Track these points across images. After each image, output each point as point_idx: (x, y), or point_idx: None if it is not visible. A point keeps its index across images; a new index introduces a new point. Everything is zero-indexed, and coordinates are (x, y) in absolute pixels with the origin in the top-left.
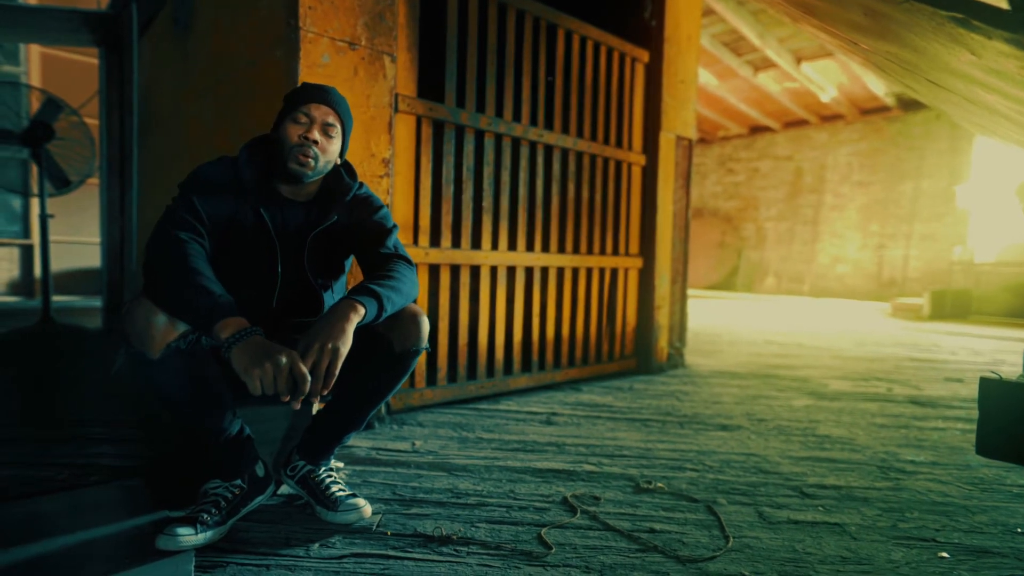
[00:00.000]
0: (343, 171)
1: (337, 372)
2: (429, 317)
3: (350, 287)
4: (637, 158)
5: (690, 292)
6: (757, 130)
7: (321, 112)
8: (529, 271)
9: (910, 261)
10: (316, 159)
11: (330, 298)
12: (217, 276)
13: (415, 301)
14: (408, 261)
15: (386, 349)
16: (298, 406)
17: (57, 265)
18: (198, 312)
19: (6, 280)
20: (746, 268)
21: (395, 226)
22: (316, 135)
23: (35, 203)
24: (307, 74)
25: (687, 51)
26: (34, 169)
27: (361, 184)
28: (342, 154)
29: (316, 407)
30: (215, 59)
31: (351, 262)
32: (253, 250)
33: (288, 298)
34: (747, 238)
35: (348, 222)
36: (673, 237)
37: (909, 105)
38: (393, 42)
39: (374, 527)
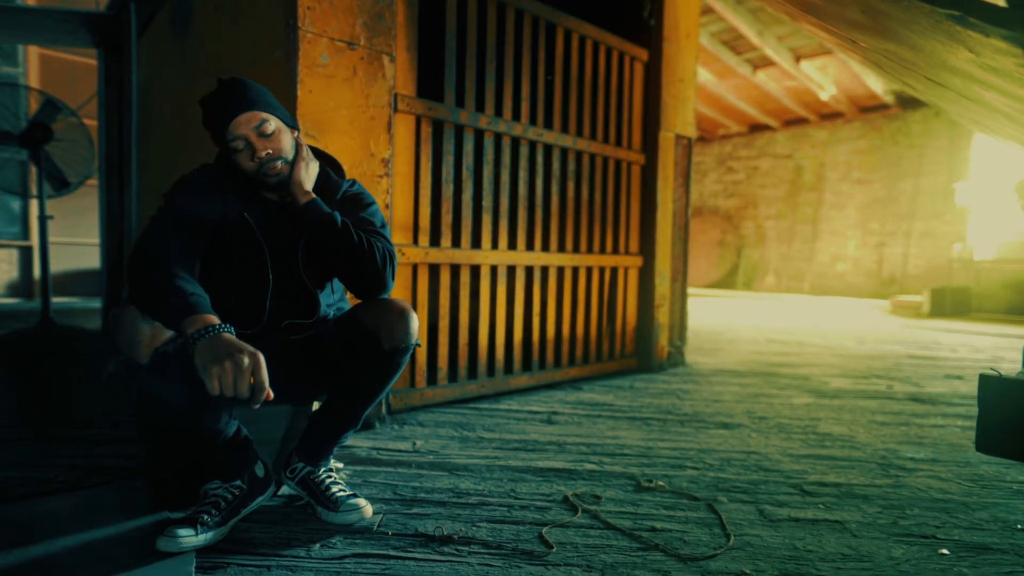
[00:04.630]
0: (330, 170)
1: None
2: (429, 317)
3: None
4: (637, 157)
5: (690, 291)
6: (757, 128)
7: (243, 123)
8: (529, 270)
9: (910, 259)
10: (280, 161)
11: (328, 296)
12: (210, 282)
13: (415, 306)
14: (389, 241)
15: (375, 347)
16: (256, 406)
17: (56, 266)
18: (169, 312)
19: (5, 282)
20: (746, 266)
21: (384, 224)
22: (261, 149)
23: (34, 204)
24: (306, 74)
25: (686, 50)
26: (33, 170)
27: (353, 181)
28: (292, 125)
29: (315, 406)
30: (214, 59)
31: None
32: (242, 255)
33: (282, 300)
34: (747, 236)
35: None
36: (673, 236)
37: (908, 103)
38: (392, 42)
39: (375, 527)
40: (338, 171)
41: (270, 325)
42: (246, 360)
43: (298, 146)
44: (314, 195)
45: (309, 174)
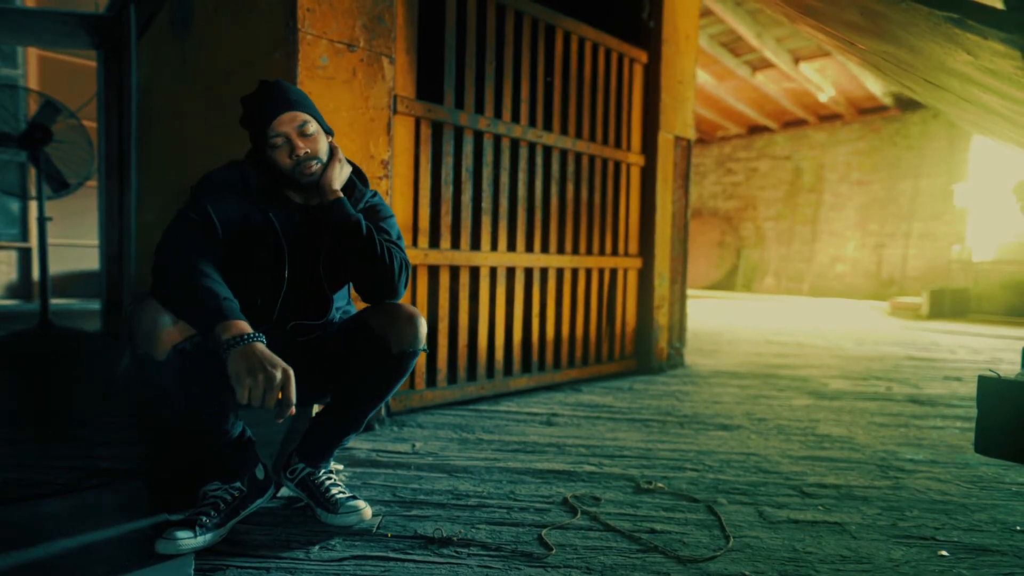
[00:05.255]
0: (356, 179)
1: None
2: (428, 318)
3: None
4: (636, 158)
5: (689, 292)
6: (756, 130)
7: (286, 122)
8: (528, 272)
9: (909, 260)
10: (316, 162)
11: (340, 300)
12: (226, 278)
13: (415, 304)
14: (404, 252)
15: (383, 350)
16: (280, 420)
17: (55, 268)
18: (201, 313)
19: (4, 283)
20: (745, 268)
21: (400, 236)
22: (301, 147)
23: (33, 206)
24: (306, 76)
25: (685, 51)
26: (32, 172)
27: (375, 193)
28: (327, 130)
29: (315, 409)
30: (213, 61)
31: None
32: (261, 253)
33: (293, 302)
34: (746, 238)
35: None
36: (672, 237)
37: (907, 105)
38: (392, 44)
39: (374, 529)
40: (363, 181)
41: (277, 325)
42: (279, 375)
43: (332, 149)
44: (342, 195)
45: (340, 176)
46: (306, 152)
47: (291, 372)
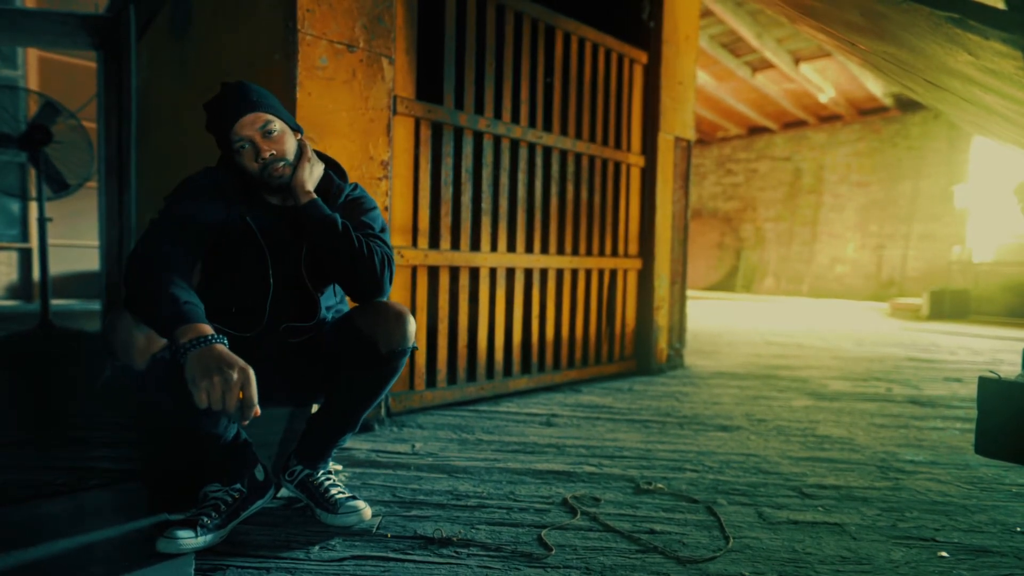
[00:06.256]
0: (332, 173)
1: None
2: (428, 319)
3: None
4: (636, 159)
5: (689, 293)
6: (756, 131)
7: (248, 125)
8: (528, 272)
9: (909, 261)
10: (283, 163)
11: (328, 299)
12: (211, 286)
13: (414, 308)
14: (388, 245)
15: (372, 350)
16: (245, 423)
17: (56, 269)
18: (163, 319)
19: (5, 284)
20: (745, 269)
21: (384, 228)
22: (266, 149)
23: (33, 207)
24: (305, 77)
25: (685, 52)
26: (32, 173)
27: (355, 185)
28: (295, 128)
29: (314, 409)
30: (212, 61)
31: None
32: (243, 258)
33: (282, 303)
34: (746, 239)
35: None
36: (672, 238)
37: (907, 105)
38: (391, 44)
39: (374, 529)
40: (341, 175)
41: (269, 328)
42: (235, 375)
43: (302, 148)
44: (315, 195)
45: (312, 176)
46: (271, 154)
47: (250, 371)
